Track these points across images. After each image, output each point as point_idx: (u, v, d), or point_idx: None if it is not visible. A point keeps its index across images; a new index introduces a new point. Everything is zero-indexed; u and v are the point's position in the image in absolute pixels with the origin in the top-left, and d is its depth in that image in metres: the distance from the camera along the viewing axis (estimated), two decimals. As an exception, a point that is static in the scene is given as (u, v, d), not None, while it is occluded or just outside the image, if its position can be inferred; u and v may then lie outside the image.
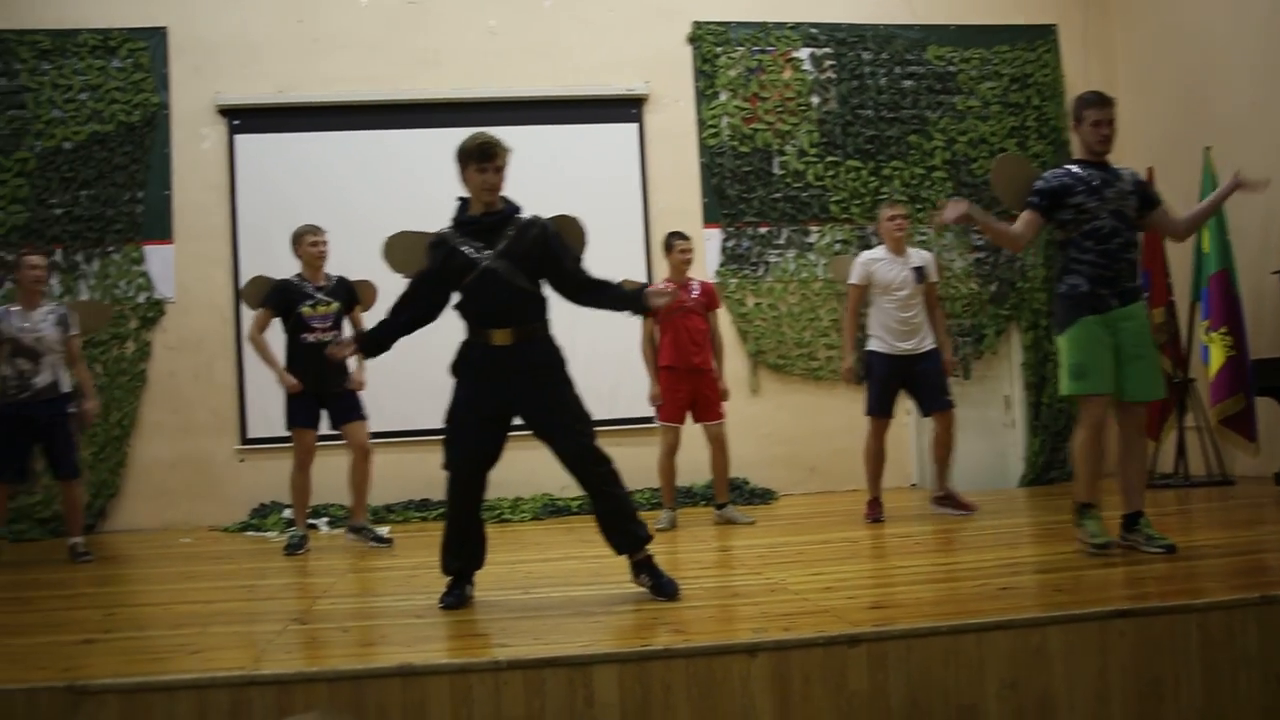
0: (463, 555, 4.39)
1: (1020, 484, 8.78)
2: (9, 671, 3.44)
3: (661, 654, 3.34)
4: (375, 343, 4.48)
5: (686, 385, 6.75)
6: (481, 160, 4.26)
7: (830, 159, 8.95)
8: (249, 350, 8.27)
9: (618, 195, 8.63)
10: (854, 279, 6.67)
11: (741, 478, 8.28)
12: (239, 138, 8.55)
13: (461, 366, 4.34)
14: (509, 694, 3.25)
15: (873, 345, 6.67)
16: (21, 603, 5.01)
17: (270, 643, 3.75)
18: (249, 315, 8.16)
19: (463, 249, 4.26)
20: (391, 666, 3.29)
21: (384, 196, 8.27)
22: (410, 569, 5.63)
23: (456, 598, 4.31)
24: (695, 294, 6.80)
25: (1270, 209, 7.32)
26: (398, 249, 4.97)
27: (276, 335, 6.53)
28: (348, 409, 6.48)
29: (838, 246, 8.87)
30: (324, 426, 6.61)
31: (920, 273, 6.61)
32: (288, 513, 7.88)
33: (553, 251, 4.34)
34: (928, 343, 6.62)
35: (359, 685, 3.23)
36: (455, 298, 4.34)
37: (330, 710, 1.45)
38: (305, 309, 6.39)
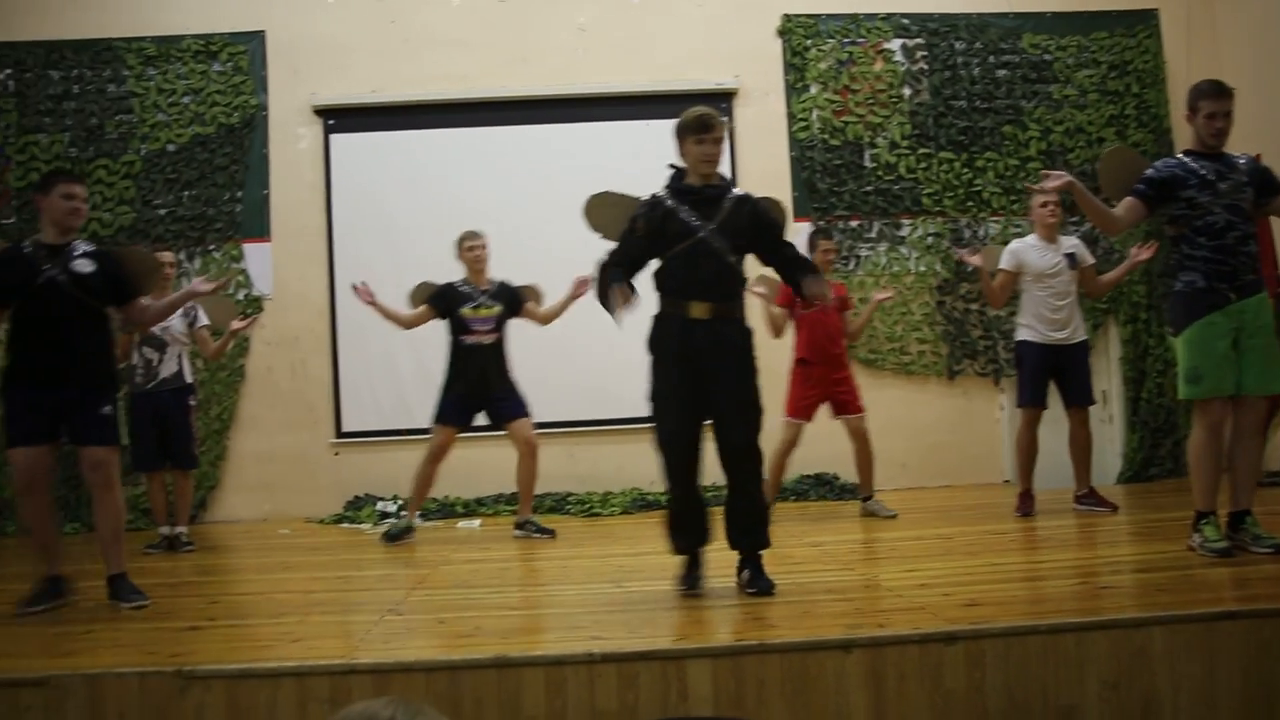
0: (690, 532, 4.37)
1: (1118, 481, 8.57)
2: (122, 656, 3.56)
3: (756, 649, 3.33)
4: (614, 277, 4.32)
5: (819, 381, 6.69)
6: (700, 132, 4.27)
7: (922, 151, 8.83)
8: (344, 345, 8.49)
9: (707, 190, 8.61)
10: (1005, 265, 6.50)
11: (832, 473, 8.22)
12: (334, 137, 8.70)
13: (656, 342, 4.34)
14: (602, 686, 3.27)
15: (1023, 335, 6.50)
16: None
17: (368, 633, 3.82)
18: (347, 310, 8.41)
19: (680, 215, 4.28)
20: (487, 658, 3.33)
21: (475, 193, 8.35)
22: (503, 562, 5.70)
23: (693, 579, 4.31)
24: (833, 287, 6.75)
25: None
26: (598, 209, 4.96)
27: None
28: (511, 407, 6.50)
29: (929, 240, 8.75)
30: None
31: (1073, 259, 6.43)
32: (381, 505, 8.03)
33: (766, 227, 4.43)
34: (1080, 333, 6.47)
35: (455, 676, 3.28)
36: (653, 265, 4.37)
37: (401, 700, 1.47)
38: (466, 311, 6.47)
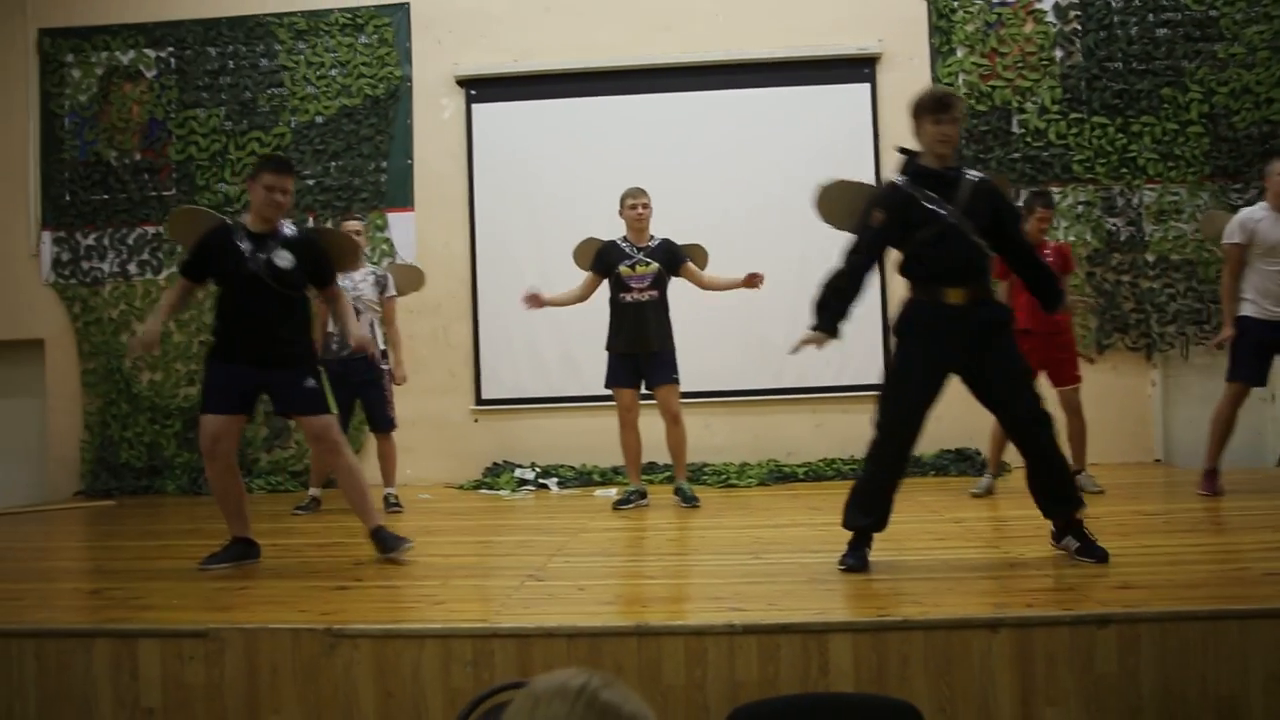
0: (873, 513, 4.30)
1: (1279, 463, 8.17)
2: (276, 613, 3.69)
3: (900, 625, 3.27)
4: (835, 313, 4.25)
5: (1039, 349, 6.39)
6: (938, 111, 4.18)
7: (1074, 115, 8.49)
8: (484, 312, 8.62)
9: (850, 157, 8.41)
10: (1235, 238, 6.21)
11: (973, 448, 8.03)
12: (476, 107, 8.81)
13: (907, 326, 4.28)
14: (742, 658, 3.25)
15: (1245, 310, 6.20)
16: (282, 549, 5.35)
17: (509, 597, 3.88)
18: (488, 278, 8.54)
19: (922, 201, 4.19)
20: (629, 625, 3.35)
21: (616, 161, 8.34)
22: (641, 530, 5.72)
23: (859, 559, 4.23)
24: (1049, 258, 6.55)
25: None
26: (829, 198, 4.80)
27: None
28: (660, 372, 6.48)
29: (1080, 209, 8.43)
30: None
31: None
32: (519, 472, 8.15)
33: (1007, 211, 4.33)
34: None
35: (596, 642, 3.31)
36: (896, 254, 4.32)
37: (593, 671, 1.44)
38: (624, 269, 6.47)
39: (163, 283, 8.79)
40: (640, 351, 6.42)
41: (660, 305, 6.48)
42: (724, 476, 7.84)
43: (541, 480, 8.01)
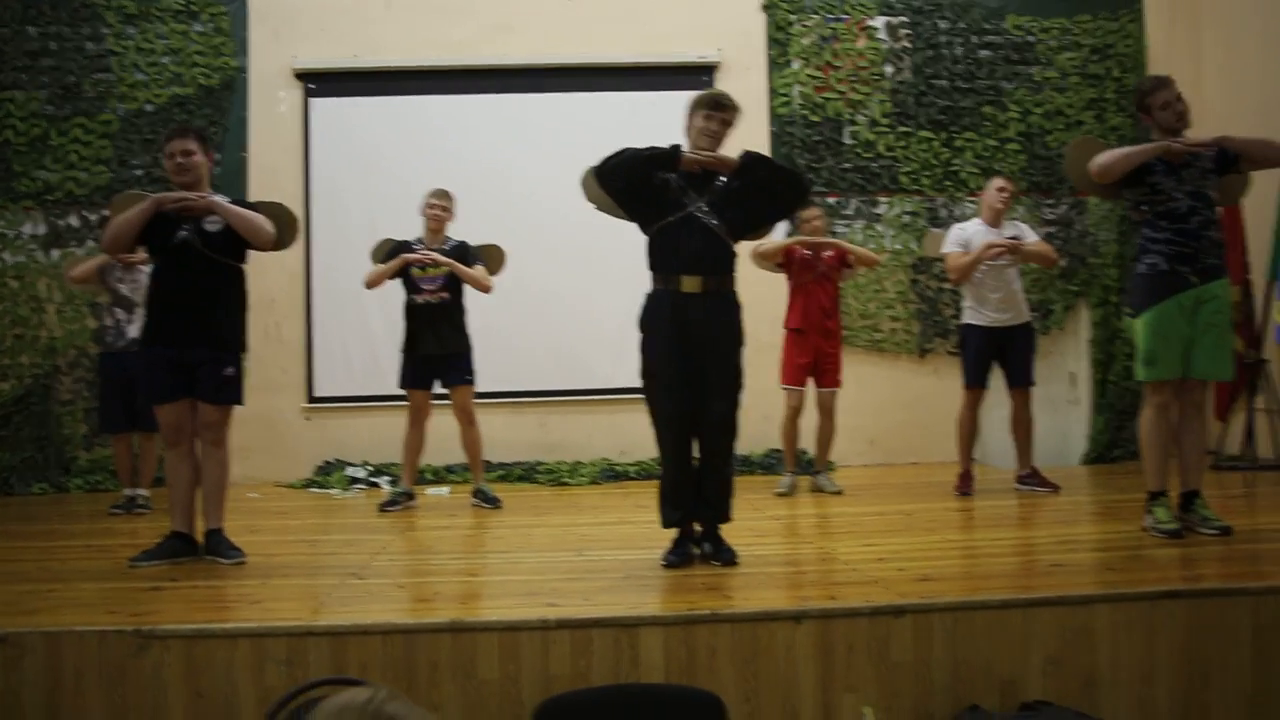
0: (681, 505, 4.39)
1: (1082, 462, 8.67)
2: (85, 615, 3.61)
3: (708, 618, 3.40)
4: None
5: (811, 349, 6.78)
6: (711, 109, 4.37)
7: (902, 129, 8.86)
8: (318, 309, 8.51)
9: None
10: (954, 249, 6.56)
11: (801, 448, 8.27)
12: (314, 101, 8.67)
13: (647, 319, 4.38)
14: (556, 652, 3.33)
15: (968, 318, 6.63)
16: (97, 550, 5.21)
17: (328, 596, 3.87)
18: (322, 275, 8.45)
19: (672, 185, 4.33)
20: (443, 622, 3.39)
21: (454, 161, 8.33)
22: (467, 529, 5.75)
23: (681, 555, 4.33)
24: (827, 257, 6.84)
25: (1355, 188, 7.12)
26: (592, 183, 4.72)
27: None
28: (454, 373, 6.51)
29: (905, 218, 8.80)
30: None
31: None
32: (350, 470, 8.06)
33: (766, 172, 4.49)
34: (1023, 316, 6.58)
35: (410, 639, 3.34)
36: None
37: (379, 685, 1.50)
38: (415, 270, 6.46)
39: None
40: (434, 353, 6.45)
41: (454, 307, 6.51)
42: (556, 475, 7.91)
43: (373, 479, 7.93)
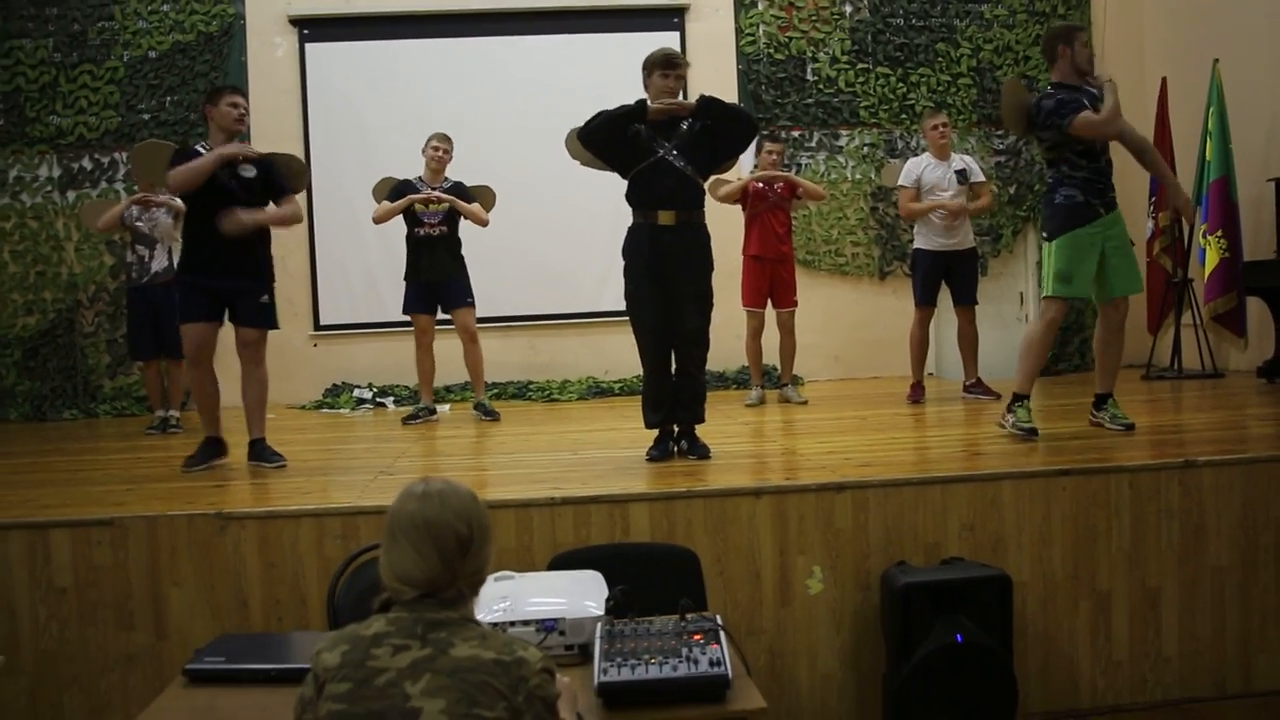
0: (660, 409, 5.12)
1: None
2: (171, 504, 4.29)
3: (684, 494, 4.15)
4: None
5: (768, 274, 7.48)
6: (665, 68, 4.97)
7: (861, 66, 9.46)
8: (321, 244, 9.12)
9: (659, 101, 9.22)
10: (905, 182, 7.35)
11: (771, 364, 8.99)
12: (309, 46, 9.20)
13: (629, 249, 5.04)
14: (561, 524, 4.07)
15: (918, 243, 7.43)
16: (151, 461, 5.89)
17: (367, 486, 4.60)
18: (324, 212, 9.04)
19: (643, 135, 4.96)
20: (468, 501, 4.10)
21: (444, 102, 8.91)
22: (473, 437, 6.47)
23: (662, 450, 5.07)
24: (779, 188, 7.51)
25: (1274, 119, 7.81)
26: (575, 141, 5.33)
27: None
28: (456, 296, 7.16)
29: (865, 150, 9.45)
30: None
31: (963, 175, 7.30)
32: (357, 392, 8.75)
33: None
34: (968, 241, 7.38)
35: (443, 515, 4.05)
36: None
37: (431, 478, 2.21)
38: (419, 206, 7.09)
39: None
40: (435, 280, 7.12)
41: (451, 239, 7.18)
42: (547, 392, 8.66)
43: (379, 399, 8.64)
